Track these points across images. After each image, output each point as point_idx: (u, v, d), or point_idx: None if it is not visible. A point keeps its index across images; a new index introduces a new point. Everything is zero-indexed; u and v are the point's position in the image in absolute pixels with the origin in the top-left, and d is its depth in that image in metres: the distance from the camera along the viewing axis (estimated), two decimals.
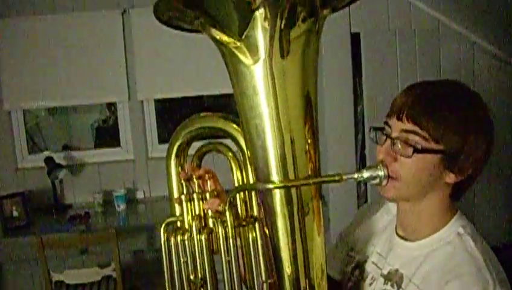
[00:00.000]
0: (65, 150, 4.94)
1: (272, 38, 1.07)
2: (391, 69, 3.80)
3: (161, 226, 1.30)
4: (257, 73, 1.09)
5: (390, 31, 3.79)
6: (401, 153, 1.25)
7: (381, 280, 1.39)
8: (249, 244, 1.20)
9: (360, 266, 1.49)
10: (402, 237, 1.39)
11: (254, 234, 1.20)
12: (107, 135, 5.45)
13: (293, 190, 1.17)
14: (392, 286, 1.35)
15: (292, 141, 1.14)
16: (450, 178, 1.28)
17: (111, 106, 5.24)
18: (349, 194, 3.89)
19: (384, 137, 1.29)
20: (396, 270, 1.35)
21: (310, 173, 1.18)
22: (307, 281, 1.19)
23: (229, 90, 1.15)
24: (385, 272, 1.39)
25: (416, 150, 1.23)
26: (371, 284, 1.43)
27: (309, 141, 1.17)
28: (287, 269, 1.18)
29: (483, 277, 1.20)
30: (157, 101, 4.74)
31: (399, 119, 1.27)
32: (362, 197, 3.96)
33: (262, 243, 1.20)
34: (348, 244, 1.57)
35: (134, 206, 4.47)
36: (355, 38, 3.79)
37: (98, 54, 4.43)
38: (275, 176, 1.14)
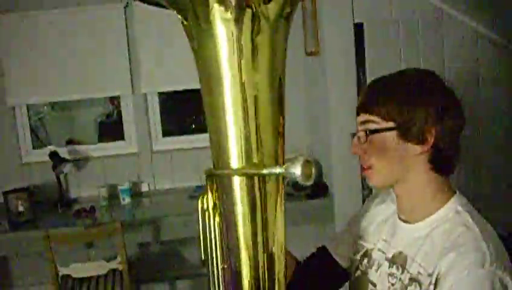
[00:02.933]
0: (69, 144, 4.95)
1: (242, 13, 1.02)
2: (394, 59, 3.78)
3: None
4: (223, 46, 1.03)
5: (393, 21, 3.78)
6: (363, 140, 1.38)
7: (386, 264, 1.44)
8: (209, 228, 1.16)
9: (368, 254, 1.53)
10: (404, 221, 1.44)
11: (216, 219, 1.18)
12: (110, 128, 5.47)
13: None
14: (397, 268, 1.40)
15: (252, 122, 1.07)
16: (416, 150, 1.36)
17: (114, 100, 5.25)
18: (354, 186, 3.89)
19: (352, 136, 1.45)
20: (400, 252, 1.41)
21: (269, 158, 1.10)
22: (265, 265, 1.16)
23: None
24: (389, 255, 1.44)
25: (370, 132, 1.37)
26: (377, 270, 1.48)
27: (269, 125, 1.09)
28: (244, 252, 1.15)
29: (479, 247, 1.24)
30: (161, 94, 4.75)
31: (358, 115, 1.44)
32: (367, 189, 3.95)
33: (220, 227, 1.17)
34: (356, 233, 1.62)
35: (139, 200, 4.48)
36: (358, 29, 3.77)
37: (101, 48, 4.44)
38: (232, 160, 1.08)
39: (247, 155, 1.06)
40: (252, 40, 1.02)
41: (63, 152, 4.52)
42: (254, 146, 1.06)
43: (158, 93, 4.68)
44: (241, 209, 1.10)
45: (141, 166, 4.63)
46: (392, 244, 1.45)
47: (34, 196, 4.24)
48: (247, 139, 1.06)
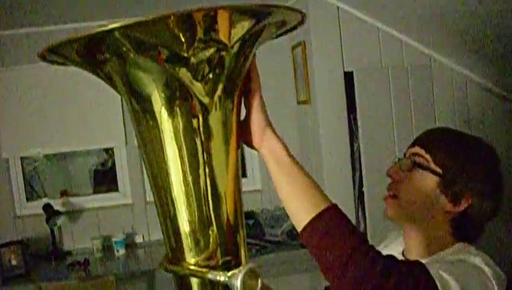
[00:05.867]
0: (63, 195, 4.93)
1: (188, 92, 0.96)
2: (385, 106, 3.82)
3: None
4: (168, 141, 0.98)
5: (383, 69, 3.83)
6: (405, 168, 1.41)
7: None
8: None
9: None
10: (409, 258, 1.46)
11: None
12: (105, 178, 5.46)
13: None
14: None
15: (203, 216, 1.02)
16: (446, 206, 1.38)
17: (108, 150, 5.26)
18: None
19: (397, 160, 1.47)
20: None
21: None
22: None
23: None
24: None
25: (416, 164, 1.40)
26: None
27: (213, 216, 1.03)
28: None
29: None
30: None
31: (412, 146, 1.47)
32: (362, 222, 3.94)
33: None
34: None
35: (134, 251, 4.44)
36: (348, 77, 3.82)
37: (95, 100, 4.46)
38: (185, 255, 1.04)
39: (199, 251, 1.02)
40: (199, 135, 0.97)
41: (57, 204, 4.50)
42: (207, 242, 1.02)
43: None
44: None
45: (135, 217, 4.61)
46: None
47: (27, 248, 4.21)
48: (200, 233, 1.02)
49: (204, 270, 1.00)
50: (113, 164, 4.87)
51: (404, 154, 1.48)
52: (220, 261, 1.02)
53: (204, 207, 1.00)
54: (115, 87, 1.01)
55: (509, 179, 3.93)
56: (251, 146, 1.09)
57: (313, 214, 1.03)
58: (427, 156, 1.40)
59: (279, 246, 4.00)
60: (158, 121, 0.96)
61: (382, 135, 3.79)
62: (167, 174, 0.99)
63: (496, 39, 3.37)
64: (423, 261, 1.35)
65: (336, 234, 1.02)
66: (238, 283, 0.95)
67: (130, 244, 4.46)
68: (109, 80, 0.99)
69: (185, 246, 1.02)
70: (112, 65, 0.94)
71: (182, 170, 0.98)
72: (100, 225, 4.55)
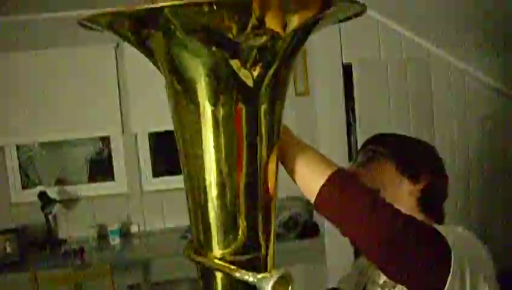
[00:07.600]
0: (59, 184, 4.92)
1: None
2: (383, 99, 3.81)
3: None
4: (208, 127, 0.94)
5: (381, 61, 3.82)
6: (363, 163, 1.50)
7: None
8: None
9: (365, 288, 1.58)
10: None
11: None
12: (100, 167, 5.43)
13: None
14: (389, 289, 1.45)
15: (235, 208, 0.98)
16: (409, 186, 1.46)
17: (104, 139, 5.24)
18: None
19: (352, 162, 1.57)
20: None
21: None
22: None
23: None
24: (381, 282, 1.50)
25: (373, 156, 1.49)
26: None
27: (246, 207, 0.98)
28: None
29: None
30: (151, 135, 4.74)
31: (361, 149, 1.55)
32: None
33: None
34: (358, 268, 1.67)
35: (129, 240, 4.44)
36: (347, 69, 3.81)
37: (92, 88, 4.44)
38: (212, 246, 1.00)
39: (227, 245, 0.98)
40: (241, 125, 0.93)
41: (53, 192, 4.49)
42: (235, 236, 0.98)
43: (148, 133, 4.68)
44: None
45: (131, 206, 4.60)
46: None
47: (22, 236, 4.19)
48: (230, 227, 0.97)
49: (232, 267, 0.95)
50: (109, 153, 4.86)
51: (356, 157, 1.56)
52: (247, 257, 0.99)
53: (237, 201, 0.96)
54: (155, 63, 0.97)
55: (506, 168, 3.92)
56: None
57: (329, 172, 1.09)
58: (380, 148, 1.49)
59: (275, 238, 3.99)
60: (200, 105, 0.92)
61: (380, 128, 3.75)
62: (202, 161, 0.95)
63: (494, 34, 3.37)
64: None
65: (355, 187, 1.10)
66: (268, 288, 0.90)
67: (125, 233, 4.46)
68: (150, 55, 0.96)
69: (213, 237, 0.98)
70: (156, 41, 0.90)
71: (219, 159, 0.94)
72: (95, 214, 4.54)
